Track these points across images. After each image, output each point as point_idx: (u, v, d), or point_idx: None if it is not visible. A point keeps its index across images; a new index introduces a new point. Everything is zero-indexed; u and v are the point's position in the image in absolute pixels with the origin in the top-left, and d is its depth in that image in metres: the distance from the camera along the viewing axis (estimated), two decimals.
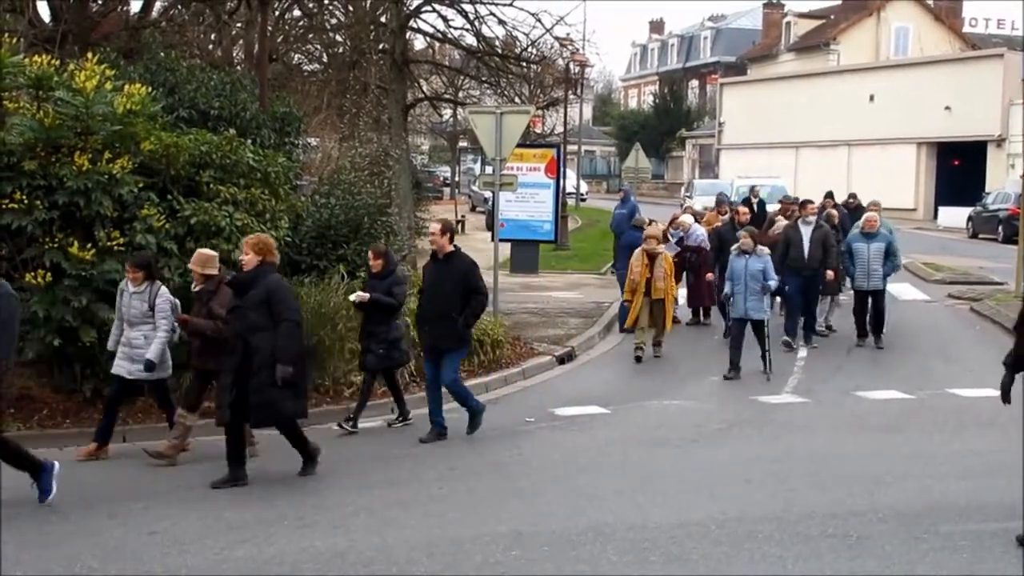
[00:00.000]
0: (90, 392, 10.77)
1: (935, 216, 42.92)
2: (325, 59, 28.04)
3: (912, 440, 10.60)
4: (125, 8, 20.13)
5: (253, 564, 6.88)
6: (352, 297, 11.04)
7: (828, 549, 7.07)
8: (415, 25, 24.58)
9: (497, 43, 25.13)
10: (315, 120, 21.76)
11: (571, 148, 40.16)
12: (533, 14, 24.59)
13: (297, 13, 26.03)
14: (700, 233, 17.33)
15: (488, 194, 29.33)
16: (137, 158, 10.99)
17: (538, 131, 43.24)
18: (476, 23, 23.53)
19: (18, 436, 10.09)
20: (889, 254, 15.40)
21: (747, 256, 13.54)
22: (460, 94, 36.56)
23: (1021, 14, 65.16)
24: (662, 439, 10.60)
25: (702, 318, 17.52)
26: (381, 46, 24.04)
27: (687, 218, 18.01)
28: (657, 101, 72.96)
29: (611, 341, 16.47)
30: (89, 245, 10.51)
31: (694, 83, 77.62)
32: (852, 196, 21.90)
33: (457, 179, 55.17)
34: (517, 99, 28.11)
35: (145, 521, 7.80)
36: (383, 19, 24.51)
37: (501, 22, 23.93)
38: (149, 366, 9.54)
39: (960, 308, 19.49)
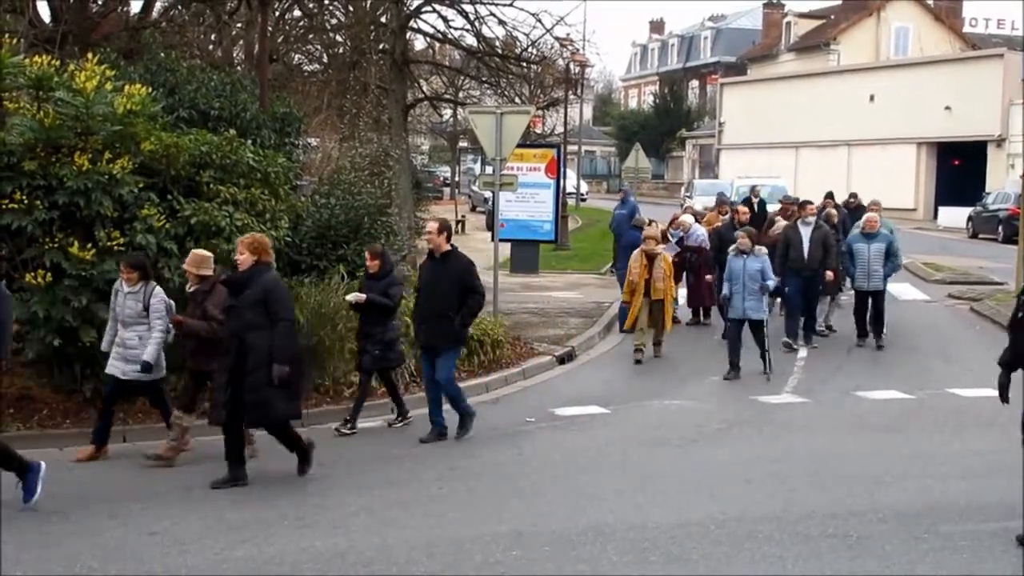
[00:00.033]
0: (90, 392, 10.77)
1: (935, 216, 42.94)
2: (325, 59, 28.05)
3: (912, 440, 10.60)
4: (125, 8, 20.12)
5: (253, 564, 6.88)
6: (349, 298, 11.04)
7: (828, 549, 7.07)
8: (415, 25, 24.58)
9: (497, 43, 25.13)
10: (315, 120, 21.76)
11: (571, 148, 40.16)
12: (533, 14, 24.59)
13: (297, 13, 26.03)
14: (701, 233, 17.33)
15: (488, 194, 29.34)
16: (137, 158, 10.98)
17: (538, 131, 43.25)
18: (476, 23, 23.53)
19: (18, 436, 10.12)
20: (890, 254, 15.40)
21: (745, 256, 13.54)
22: (460, 94, 36.56)
23: (1021, 14, 65.23)
24: (662, 439, 10.60)
25: (702, 318, 17.52)
26: (381, 46, 24.03)
27: (687, 218, 18.01)
28: (657, 101, 72.97)
29: (611, 341, 16.47)
30: (89, 245, 10.50)
31: (694, 83, 77.63)
32: (853, 196, 21.89)
33: (457, 179, 55.17)
34: (517, 99, 28.10)
35: (145, 521, 7.80)
36: (383, 19, 24.50)
37: (501, 22, 23.94)
38: (146, 367, 9.52)
39: (960, 308, 19.49)
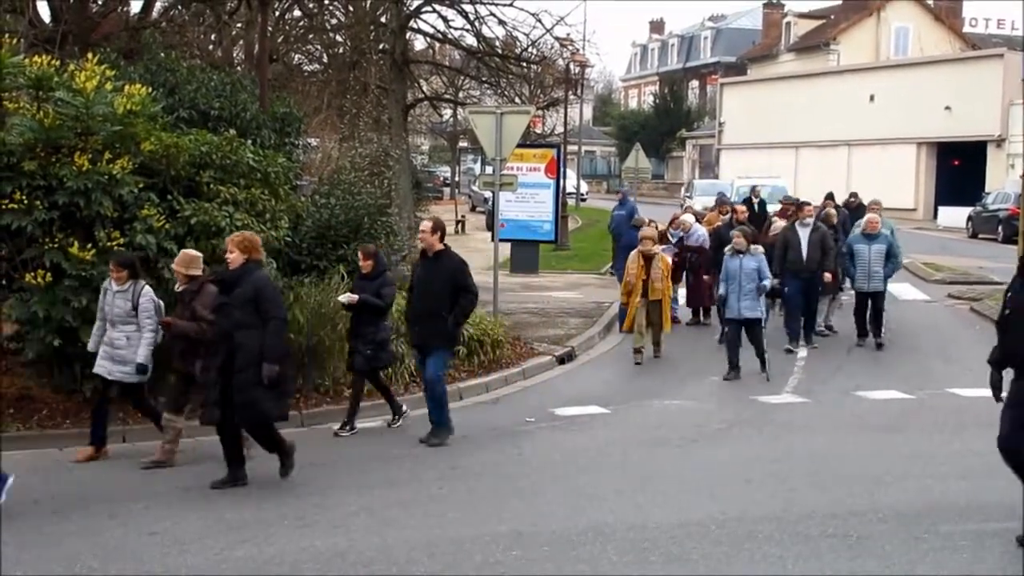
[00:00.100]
0: (90, 392, 10.73)
1: (935, 216, 42.94)
2: (325, 59, 28.06)
3: (912, 440, 10.60)
4: (125, 9, 20.11)
5: (253, 564, 6.89)
6: (341, 299, 11.03)
7: (828, 549, 7.08)
8: (415, 25, 24.63)
9: (497, 43, 25.17)
10: (315, 120, 21.76)
11: (571, 148, 40.16)
12: (533, 14, 24.67)
13: (297, 13, 26.05)
14: (701, 233, 17.34)
15: (488, 194, 29.35)
16: (137, 158, 10.98)
17: (538, 131, 43.25)
18: (476, 23, 23.58)
19: (18, 436, 10.13)
20: (890, 255, 15.40)
21: (741, 256, 13.53)
22: (460, 94, 36.59)
23: (1021, 14, 65.25)
24: (662, 439, 10.60)
25: (702, 318, 17.52)
26: (381, 46, 24.06)
27: (688, 218, 18.01)
28: (657, 101, 72.97)
29: (611, 341, 16.46)
30: (89, 245, 10.50)
31: (694, 83, 77.63)
32: (853, 195, 21.89)
33: (457, 179, 55.18)
34: (517, 99, 28.12)
35: (145, 521, 7.80)
36: (383, 19, 24.53)
37: (501, 22, 24.02)
38: (141, 369, 9.49)
39: (960, 308, 19.50)
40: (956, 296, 20.65)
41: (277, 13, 23.53)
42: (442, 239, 10.46)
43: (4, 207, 10.35)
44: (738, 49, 70.14)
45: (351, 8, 25.24)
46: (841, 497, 8.27)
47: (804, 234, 15.40)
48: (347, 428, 10.82)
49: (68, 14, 16.95)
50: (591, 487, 8.70)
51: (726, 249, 14.02)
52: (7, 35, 14.82)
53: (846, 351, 15.41)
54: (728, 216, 18.25)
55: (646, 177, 37.85)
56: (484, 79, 28.14)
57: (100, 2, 18.87)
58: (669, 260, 15.45)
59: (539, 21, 24.79)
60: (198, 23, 22.69)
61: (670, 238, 17.47)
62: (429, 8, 23.81)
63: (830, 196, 19.69)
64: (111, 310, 9.56)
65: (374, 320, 10.82)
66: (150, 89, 11.97)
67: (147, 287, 9.69)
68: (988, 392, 7.64)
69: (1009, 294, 7.55)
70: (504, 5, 23.47)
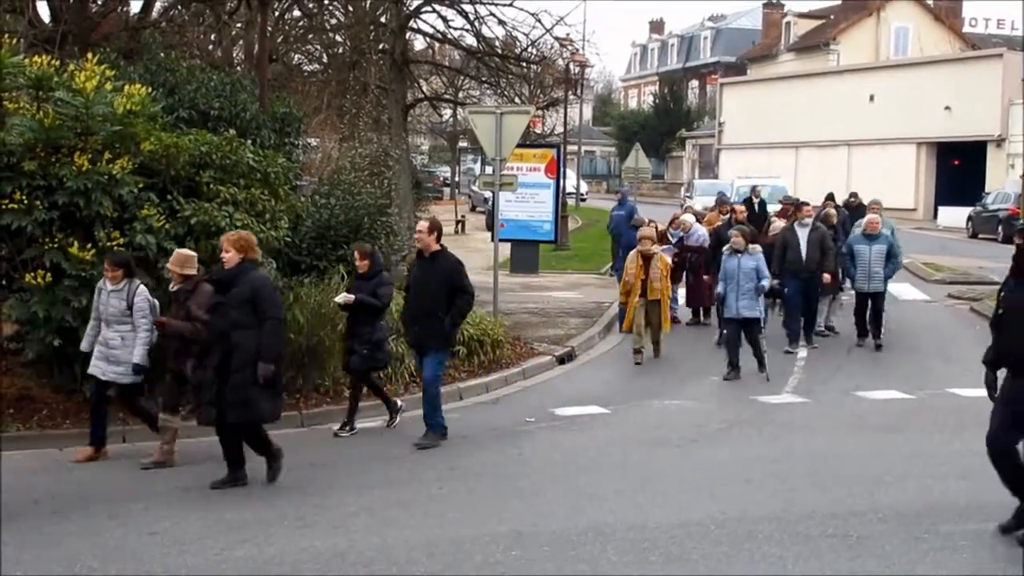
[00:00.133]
0: (90, 392, 10.76)
1: (935, 216, 42.94)
2: (325, 59, 28.06)
3: (912, 440, 10.60)
4: (125, 9, 20.11)
5: (253, 564, 6.88)
6: (338, 299, 11.01)
7: (828, 549, 7.07)
8: (415, 25, 24.62)
9: (497, 43, 25.16)
10: (315, 120, 21.76)
11: (571, 148, 40.16)
12: (533, 14, 24.68)
13: (297, 13, 26.04)
14: (702, 233, 17.34)
15: (488, 194, 29.35)
16: (137, 158, 10.98)
17: (538, 131, 43.25)
18: (476, 23, 23.57)
19: (18, 436, 10.13)
20: (891, 256, 15.39)
21: (739, 255, 13.52)
22: (460, 94, 36.59)
23: (1021, 14, 65.30)
24: (662, 439, 10.60)
25: (702, 318, 17.51)
26: (381, 46, 24.05)
27: (689, 217, 18.00)
28: (657, 101, 72.97)
29: (611, 341, 16.46)
30: (89, 245, 10.49)
31: (694, 83, 77.64)
32: (853, 195, 21.88)
33: (457, 179, 55.19)
34: (517, 99, 28.11)
35: (145, 521, 7.80)
36: (383, 19, 24.52)
37: (501, 22, 24.00)
38: (137, 370, 9.47)
39: (960, 308, 19.50)
40: (956, 296, 20.66)
41: (277, 13, 23.53)
42: (439, 239, 10.42)
43: (4, 207, 10.35)
44: (738, 49, 70.14)
45: (351, 8, 25.24)
46: (841, 497, 8.26)
47: (803, 234, 15.39)
48: (347, 428, 10.82)
49: (68, 14, 16.95)
50: (591, 487, 8.70)
51: (724, 248, 14.02)
52: (7, 35, 14.81)
53: (846, 351, 15.41)
54: (728, 216, 18.25)
55: (646, 177, 37.84)
56: (484, 79, 28.13)
57: (100, 2, 18.87)
58: (669, 260, 15.45)
59: (539, 21, 24.83)
60: (198, 23, 22.69)
61: (670, 238, 17.47)
62: (429, 8, 23.81)
63: (830, 197, 19.68)
64: (106, 310, 9.53)
65: (370, 320, 10.80)
66: (150, 89, 11.97)
67: (142, 286, 9.64)
68: None
69: (1003, 293, 7.54)
70: (504, 5, 23.48)
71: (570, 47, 30.83)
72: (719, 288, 13.79)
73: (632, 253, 14.89)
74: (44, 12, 18.18)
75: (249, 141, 12.84)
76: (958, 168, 44.65)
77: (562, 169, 27.50)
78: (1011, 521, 7.25)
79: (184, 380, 9.45)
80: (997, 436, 7.27)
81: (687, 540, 7.23)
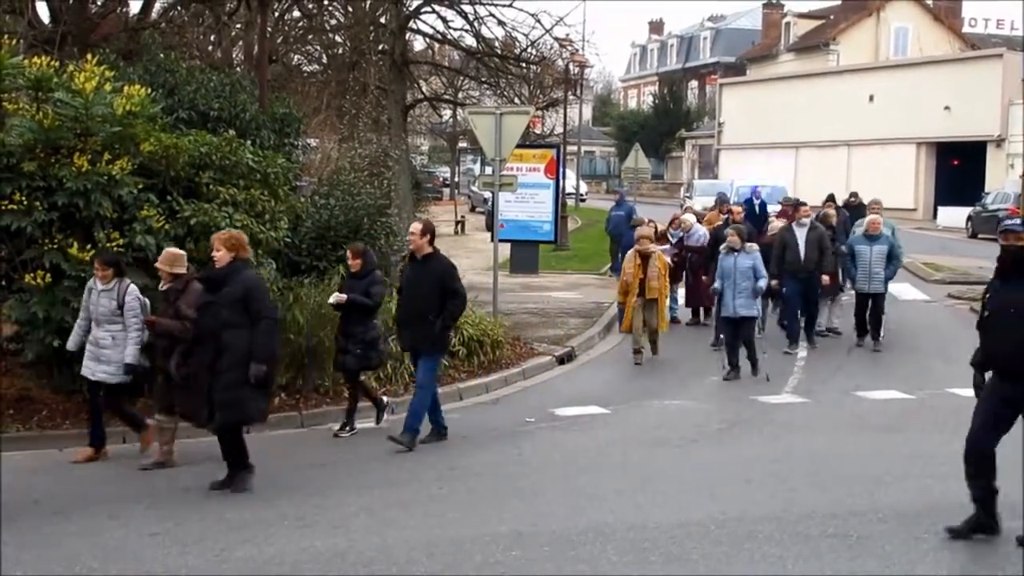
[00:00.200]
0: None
1: (935, 216, 42.94)
2: (325, 60, 28.08)
3: (912, 440, 10.60)
4: (124, 9, 20.13)
5: (253, 564, 6.88)
6: (331, 300, 11.00)
7: (828, 549, 7.07)
8: (415, 26, 24.63)
9: (496, 44, 25.17)
10: (315, 121, 21.77)
11: (571, 148, 40.18)
12: (532, 15, 24.69)
13: (297, 14, 26.07)
14: (702, 233, 17.34)
15: (488, 194, 29.34)
16: (137, 159, 10.98)
17: (538, 131, 43.22)
18: (475, 24, 23.58)
19: (18, 437, 10.13)
20: (891, 256, 15.39)
21: (736, 254, 13.52)
22: (460, 95, 36.58)
23: (1021, 14, 65.33)
24: (662, 439, 10.60)
25: (702, 318, 17.51)
26: (381, 47, 24.06)
27: (689, 217, 18.01)
28: (657, 101, 72.95)
29: (611, 341, 16.46)
30: (89, 246, 10.49)
31: (694, 83, 77.62)
32: (853, 195, 21.86)
33: (457, 179, 55.19)
34: (517, 100, 28.11)
35: (146, 522, 7.79)
36: (383, 20, 24.53)
37: (500, 23, 24.03)
38: (128, 369, 9.43)
39: (960, 308, 19.48)
40: (956, 296, 20.64)
41: (276, 14, 23.54)
42: (431, 242, 10.34)
43: (4, 208, 10.35)
44: (737, 49, 70.12)
45: (350, 9, 25.26)
46: (841, 497, 8.26)
47: (801, 234, 15.38)
48: (347, 428, 10.82)
49: (67, 15, 16.97)
50: (591, 487, 8.70)
51: (721, 247, 14.02)
52: (7, 36, 14.81)
53: (846, 351, 15.41)
54: (727, 216, 18.27)
55: (645, 177, 37.91)
56: (483, 80, 28.14)
57: (99, 3, 18.89)
58: (667, 259, 15.45)
59: (538, 21, 24.92)
60: (197, 24, 22.71)
61: (670, 238, 17.47)
62: (428, 9, 23.83)
63: (831, 198, 19.66)
64: (96, 309, 9.51)
65: (363, 319, 10.78)
66: (149, 90, 11.98)
67: (132, 286, 9.61)
68: None
69: (988, 295, 7.52)
70: (503, 5, 23.51)
71: (570, 47, 30.84)
72: (716, 284, 13.77)
73: (630, 252, 14.89)
74: (44, 13, 18.22)
75: (249, 142, 12.84)
76: (958, 168, 44.65)
77: (562, 169, 27.48)
78: (963, 525, 7.23)
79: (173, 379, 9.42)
80: (979, 436, 7.27)
81: (687, 540, 7.23)
